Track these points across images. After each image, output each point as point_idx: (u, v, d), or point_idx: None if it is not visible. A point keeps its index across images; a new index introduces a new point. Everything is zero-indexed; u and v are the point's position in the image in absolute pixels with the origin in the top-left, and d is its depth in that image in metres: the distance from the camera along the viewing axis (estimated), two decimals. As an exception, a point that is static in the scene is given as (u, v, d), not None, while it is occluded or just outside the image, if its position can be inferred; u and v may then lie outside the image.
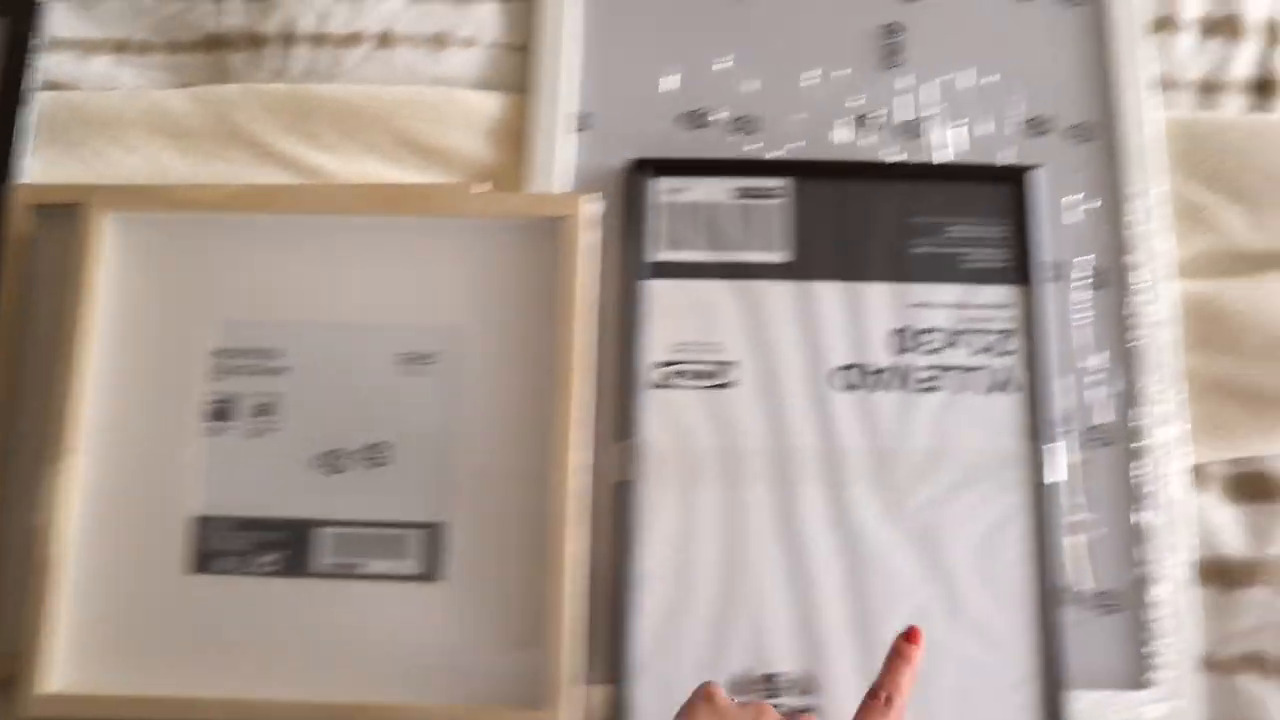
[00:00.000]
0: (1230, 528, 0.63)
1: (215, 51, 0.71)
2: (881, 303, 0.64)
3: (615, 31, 0.69)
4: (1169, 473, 0.62)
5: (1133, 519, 0.62)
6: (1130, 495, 0.62)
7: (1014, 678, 0.59)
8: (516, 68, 0.70)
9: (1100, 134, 0.67)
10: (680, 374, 0.63)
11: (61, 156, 0.68)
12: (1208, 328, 0.64)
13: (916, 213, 0.65)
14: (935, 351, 0.63)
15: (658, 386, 0.62)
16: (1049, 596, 0.60)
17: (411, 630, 0.59)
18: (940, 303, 0.64)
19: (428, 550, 0.60)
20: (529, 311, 0.62)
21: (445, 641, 0.59)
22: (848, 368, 0.63)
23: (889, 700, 0.51)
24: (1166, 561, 0.61)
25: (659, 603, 0.60)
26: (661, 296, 0.64)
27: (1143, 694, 0.59)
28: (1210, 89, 0.69)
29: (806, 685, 0.59)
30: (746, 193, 0.65)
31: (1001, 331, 0.63)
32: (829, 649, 0.60)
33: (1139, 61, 0.67)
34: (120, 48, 0.72)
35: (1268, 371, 0.64)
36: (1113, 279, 0.65)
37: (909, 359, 0.63)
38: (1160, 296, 0.64)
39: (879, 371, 0.63)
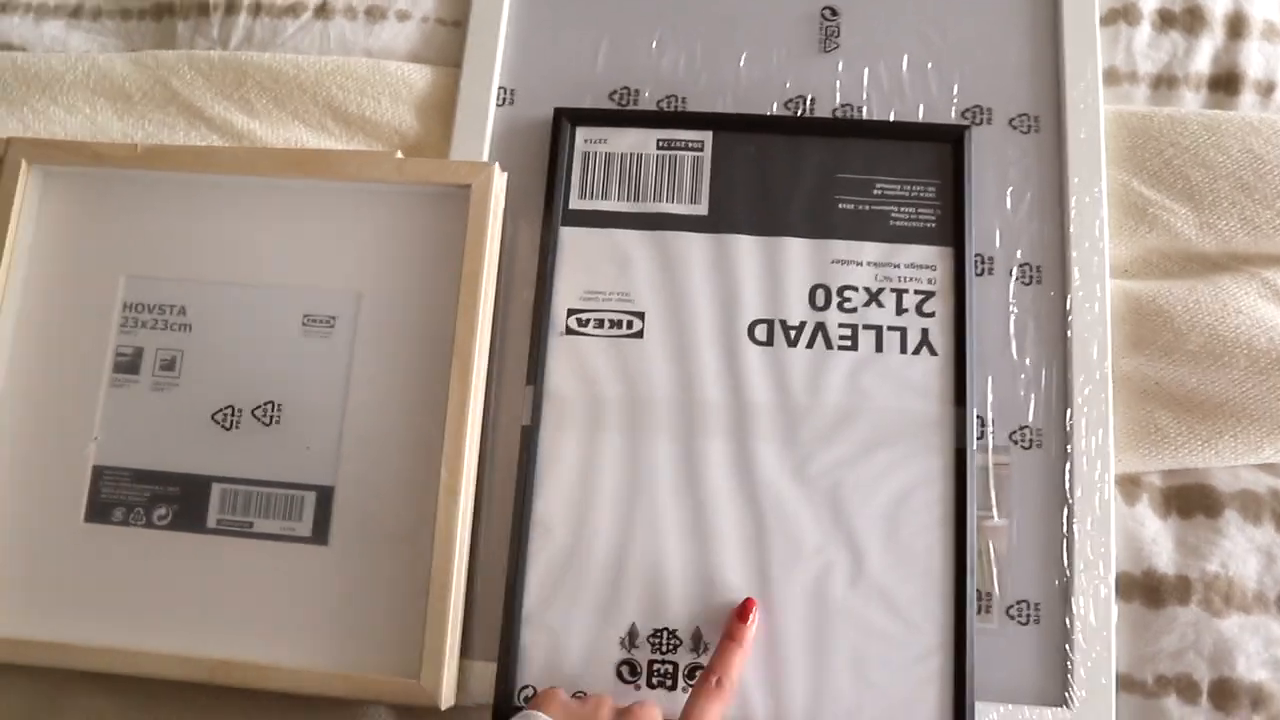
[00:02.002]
0: (1160, 542, 0.58)
1: (163, 19, 0.74)
2: (801, 258, 0.62)
3: (548, 9, 0.69)
4: (1097, 480, 0.58)
5: (1056, 527, 0.58)
6: (1055, 502, 0.58)
7: (919, 649, 0.55)
8: (449, 42, 0.71)
9: (1044, 126, 0.64)
10: (590, 321, 0.61)
11: (3, 115, 0.69)
12: (1145, 330, 0.61)
13: (844, 169, 0.63)
14: (854, 310, 0.61)
15: (567, 333, 0.61)
16: (960, 566, 0.56)
17: (298, 592, 0.58)
18: (863, 260, 0.62)
19: (318, 513, 0.59)
20: (433, 279, 0.60)
21: (330, 605, 0.57)
22: (762, 322, 0.61)
23: (720, 682, 0.51)
24: (1090, 573, 0.57)
25: (554, 552, 0.58)
26: (576, 244, 0.62)
27: (1058, 712, 0.55)
28: (1167, 83, 0.67)
29: (696, 641, 0.56)
30: (667, 145, 0.64)
31: (925, 292, 0.61)
32: (724, 607, 0.56)
33: (1089, 52, 0.65)
34: (75, 13, 0.75)
35: (1207, 378, 0.59)
36: (1048, 275, 0.62)
37: (827, 315, 0.61)
38: (1097, 295, 0.60)
39: (795, 327, 0.61)
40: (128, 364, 0.61)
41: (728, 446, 0.59)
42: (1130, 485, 0.60)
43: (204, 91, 0.69)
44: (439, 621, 0.55)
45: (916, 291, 0.61)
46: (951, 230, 0.62)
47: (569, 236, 0.62)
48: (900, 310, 0.61)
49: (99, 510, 0.60)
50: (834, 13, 0.67)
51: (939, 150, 0.63)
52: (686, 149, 0.64)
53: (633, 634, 0.57)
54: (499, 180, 0.61)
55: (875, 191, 0.63)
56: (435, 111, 0.67)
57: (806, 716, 0.55)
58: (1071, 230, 0.61)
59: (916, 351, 0.60)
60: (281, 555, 0.58)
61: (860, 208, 0.62)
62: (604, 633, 0.57)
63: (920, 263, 0.61)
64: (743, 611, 0.55)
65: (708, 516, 0.58)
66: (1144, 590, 0.57)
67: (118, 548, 0.59)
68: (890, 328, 0.60)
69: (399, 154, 0.63)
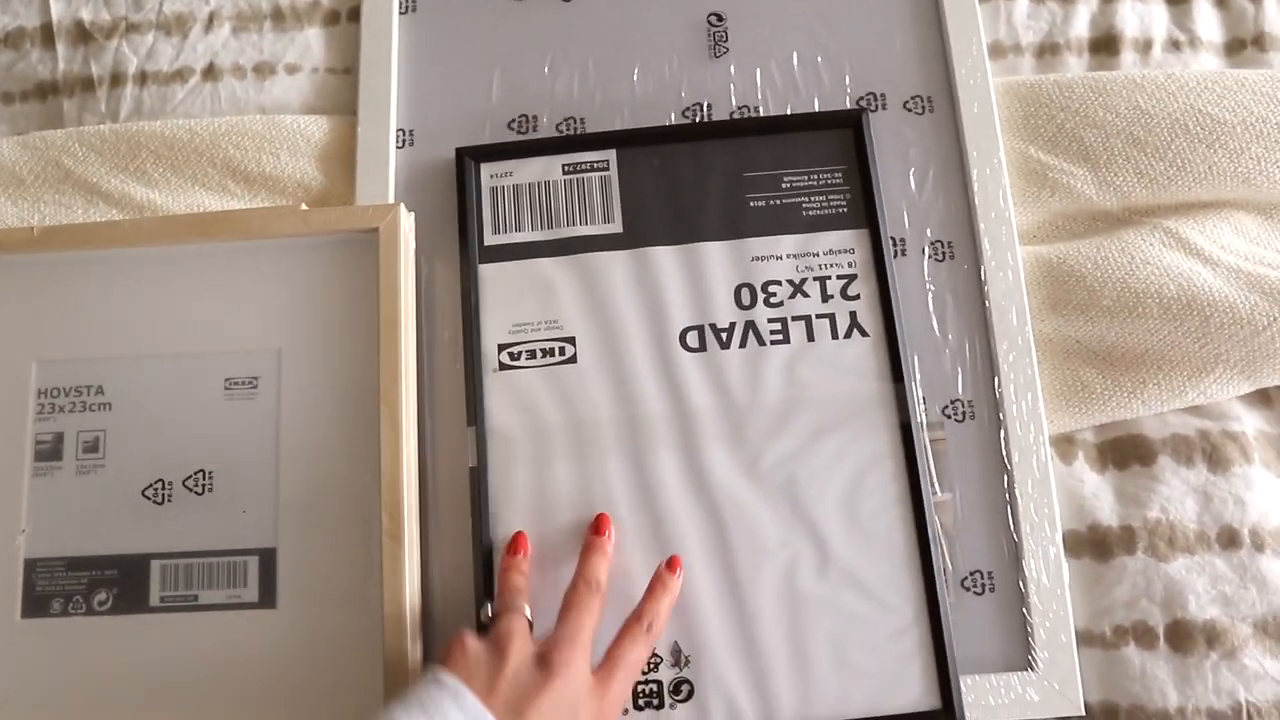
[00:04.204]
0: (1101, 496, 0.60)
1: (48, 98, 0.72)
2: (721, 260, 0.62)
3: (436, 45, 0.69)
4: (1032, 444, 0.59)
5: (999, 495, 0.59)
6: (994, 470, 0.59)
7: (896, 626, 0.56)
8: (341, 90, 0.70)
9: (938, 105, 0.66)
10: (522, 354, 0.61)
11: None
12: (1060, 291, 0.62)
13: (750, 168, 0.64)
14: (781, 303, 0.61)
15: (501, 369, 0.60)
16: (922, 538, 0.57)
17: (252, 659, 0.56)
18: (782, 254, 0.62)
19: (263, 576, 0.57)
20: (351, 327, 0.59)
21: (285, 668, 0.56)
22: (693, 329, 0.61)
23: (651, 628, 0.52)
24: (1037, 536, 0.58)
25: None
26: (497, 280, 0.62)
27: (1024, 675, 0.56)
28: (1050, 50, 0.69)
29: (677, 656, 0.56)
30: (572, 168, 0.64)
31: (847, 276, 0.62)
32: (698, 616, 0.56)
33: (972, 29, 0.66)
34: (-40, 102, 0.73)
35: (1124, 331, 0.61)
36: (960, 250, 0.63)
37: (755, 313, 0.61)
38: (1009, 264, 0.62)
39: (725, 329, 0.61)
40: (49, 451, 0.60)
41: (677, 457, 0.59)
42: (1065, 444, 0.61)
43: (98, 167, 0.67)
44: (397, 672, 0.54)
45: (839, 277, 0.62)
46: (863, 212, 0.63)
47: (489, 273, 0.62)
48: (826, 297, 0.61)
49: (35, 604, 0.58)
50: (720, 18, 0.68)
51: (840, 136, 0.64)
52: (592, 170, 0.64)
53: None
54: (406, 221, 0.61)
55: (784, 185, 0.63)
56: (336, 161, 0.67)
57: (796, 711, 0.55)
58: (976, 203, 0.63)
59: (848, 335, 0.60)
60: (230, 624, 0.57)
61: (772, 203, 0.63)
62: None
63: (838, 248, 0.62)
64: (671, 564, 0.55)
65: (668, 529, 0.58)
66: (1091, 545, 0.59)
67: (59, 640, 0.57)
68: (819, 316, 0.61)
69: (303, 206, 0.62)
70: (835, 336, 0.61)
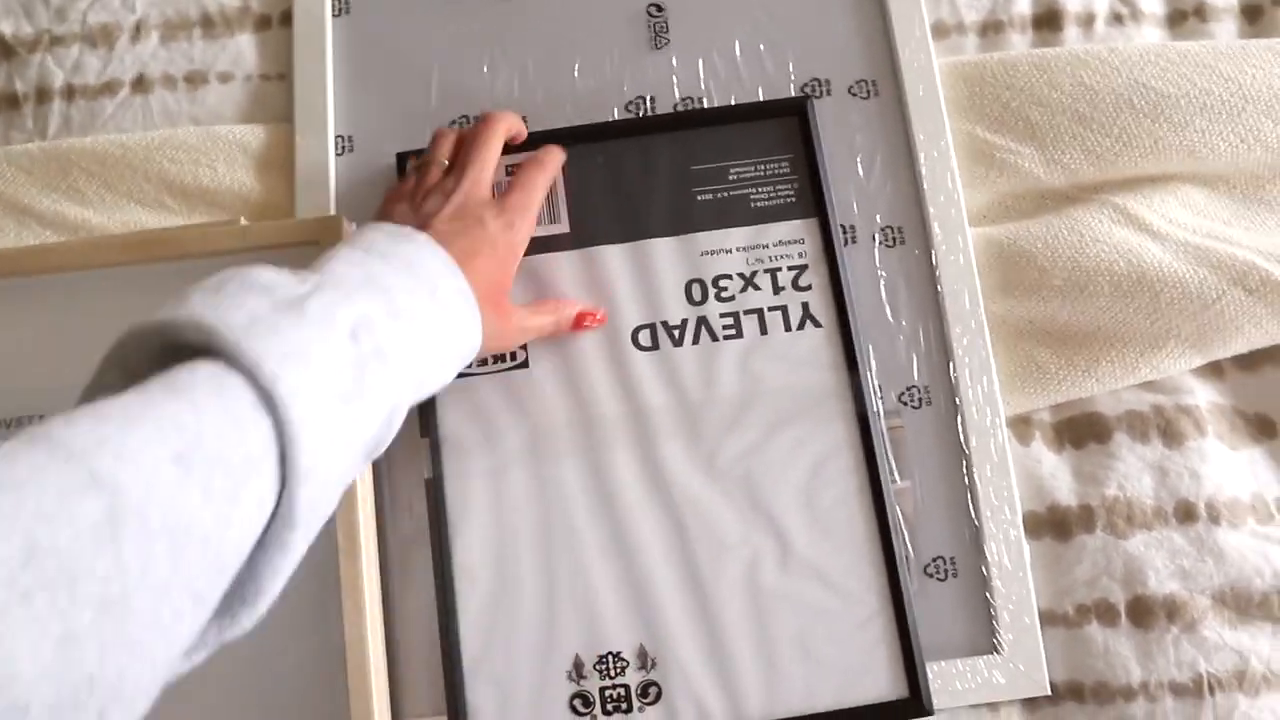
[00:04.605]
0: (1059, 476, 0.60)
1: (-28, 120, 0.70)
2: (671, 257, 0.61)
3: (372, 48, 0.67)
4: (989, 427, 0.59)
5: (958, 480, 0.59)
6: (952, 455, 0.59)
7: (861, 616, 0.56)
8: (277, 97, 0.69)
9: (883, 89, 0.65)
10: (473, 362, 0.59)
11: None
12: (1011, 273, 0.62)
13: (696, 161, 0.63)
14: (732, 298, 0.61)
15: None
16: (883, 527, 0.57)
17: (204, 692, 0.54)
18: (731, 247, 0.62)
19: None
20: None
21: (246, 703, 0.55)
22: (644, 327, 0.60)
23: (544, 165, 0.58)
24: (997, 519, 0.58)
25: (483, 599, 0.56)
26: (441, 286, 0.61)
27: (989, 659, 0.56)
28: (993, 29, 0.68)
29: (643, 658, 0.56)
30: (515, 169, 0.63)
31: (798, 267, 0.61)
32: (663, 617, 0.56)
33: (914, 10, 0.65)
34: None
35: (1076, 310, 0.60)
36: (910, 235, 0.62)
37: (706, 309, 0.61)
38: (959, 247, 0.61)
39: (677, 326, 0.60)
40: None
41: (634, 458, 0.58)
42: (1022, 426, 0.61)
43: (28, 187, 0.66)
44: (361, 696, 0.53)
45: (790, 268, 0.61)
46: (812, 201, 0.62)
47: (433, 276, 0.61)
48: (777, 289, 0.61)
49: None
50: (659, 9, 0.67)
51: (785, 124, 0.63)
52: (536, 169, 0.63)
53: (578, 665, 0.56)
54: (347, 232, 0.59)
55: (731, 177, 0.63)
56: (274, 170, 0.65)
57: (764, 709, 0.55)
58: (925, 187, 0.62)
59: (801, 327, 0.60)
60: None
61: (719, 195, 0.62)
62: (549, 670, 0.55)
63: (788, 238, 0.62)
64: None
65: (628, 531, 0.57)
66: (1051, 525, 0.59)
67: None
68: (771, 308, 0.60)
69: (243, 220, 0.60)
70: (788, 329, 0.60)
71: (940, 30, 0.68)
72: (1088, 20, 0.68)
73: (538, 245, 0.61)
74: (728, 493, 0.58)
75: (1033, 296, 0.61)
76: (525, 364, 0.60)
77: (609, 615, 0.56)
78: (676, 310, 0.61)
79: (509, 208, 0.54)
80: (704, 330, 0.60)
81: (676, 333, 0.60)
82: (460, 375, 0.58)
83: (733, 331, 0.60)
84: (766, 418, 0.59)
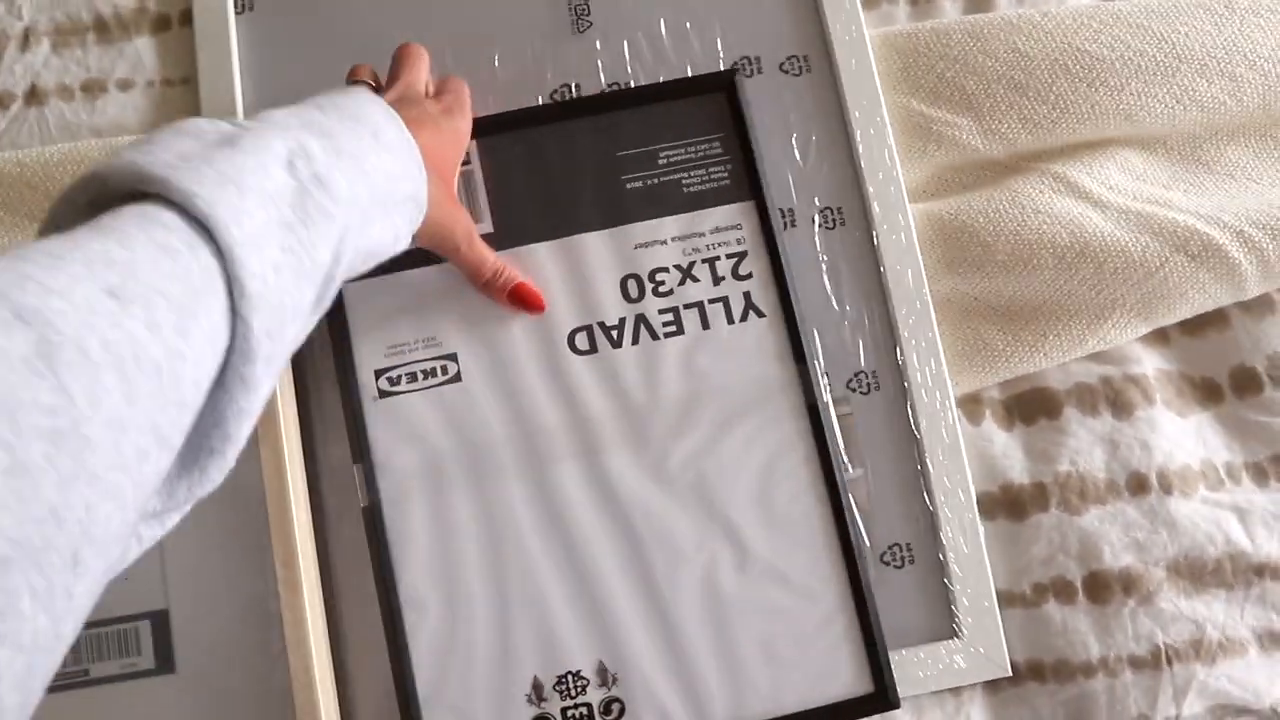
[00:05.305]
0: (1011, 454, 0.59)
1: None
2: (603, 252, 0.59)
3: (278, 44, 0.64)
4: (939, 409, 0.58)
5: (911, 465, 0.58)
6: (904, 440, 0.58)
7: (822, 614, 0.55)
8: (182, 101, 0.65)
9: (815, 65, 0.62)
10: (401, 378, 0.57)
11: None
12: (954, 249, 0.60)
13: (622, 146, 0.60)
14: (670, 292, 0.59)
15: (381, 396, 0.57)
16: (839, 520, 0.56)
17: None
18: (666, 237, 0.59)
19: (157, 640, 0.54)
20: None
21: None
22: (580, 330, 0.58)
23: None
24: (951, 502, 0.57)
25: (434, 628, 0.55)
26: (364, 299, 0.58)
27: (950, 644, 0.55)
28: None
29: (604, 675, 0.54)
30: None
31: (737, 254, 0.59)
32: (622, 631, 0.55)
33: None
34: None
35: (1021, 284, 0.59)
36: (850, 215, 0.61)
37: (644, 305, 0.59)
38: (900, 225, 0.60)
39: (615, 326, 0.58)
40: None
41: (579, 469, 0.56)
42: (972, 404, 0.60)
43: (-81, 212, 0.62)
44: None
45: (728, 256, 0.59)
46: (747, 182, 0.60)
47: (355, 292, 0.58)
48: (717, 280, 0.59)
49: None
50: (578, -9, 0.64)
51: (714, 101, 0.61)
52: (457, 167, 0.60)
53: (537, 687, 0.54)
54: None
55: (661, 161, 0.60)
56: (184, 180, 0.62)
57: (730, 715, 0.54)
58: (863, 165, 0.61)
59: (744, 318, 0.58)
60: (128, 695, 0.54)
61: (650, 182, 0.60)
62: (508, 695, 0.54)
63: (724, 224, 0.60)
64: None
65: (579, 546, 0.55)
66: (1005, 505, 0.58)
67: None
68: (711, 301, 0.59)
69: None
70: (731, 321, 0.58)
71: (870, 1, 0.66)
72: (1019, -19, 0.66)
73: (465, 249, 0.59)
74: (680, 498, 0.56)
75: (977, 272, 0.60)
76: (457, 377, 0.57)
77: (565, 634, 0.55)
78: (613, 309, 0.58)
79: (445, 100, 0.54)
80: (643, 329, 0.58)
81: (614, 333, 0.58)
82: (386, 394, 0.56)
83: (673, 328, 0.58)
84: (714, 417, 0.57)
